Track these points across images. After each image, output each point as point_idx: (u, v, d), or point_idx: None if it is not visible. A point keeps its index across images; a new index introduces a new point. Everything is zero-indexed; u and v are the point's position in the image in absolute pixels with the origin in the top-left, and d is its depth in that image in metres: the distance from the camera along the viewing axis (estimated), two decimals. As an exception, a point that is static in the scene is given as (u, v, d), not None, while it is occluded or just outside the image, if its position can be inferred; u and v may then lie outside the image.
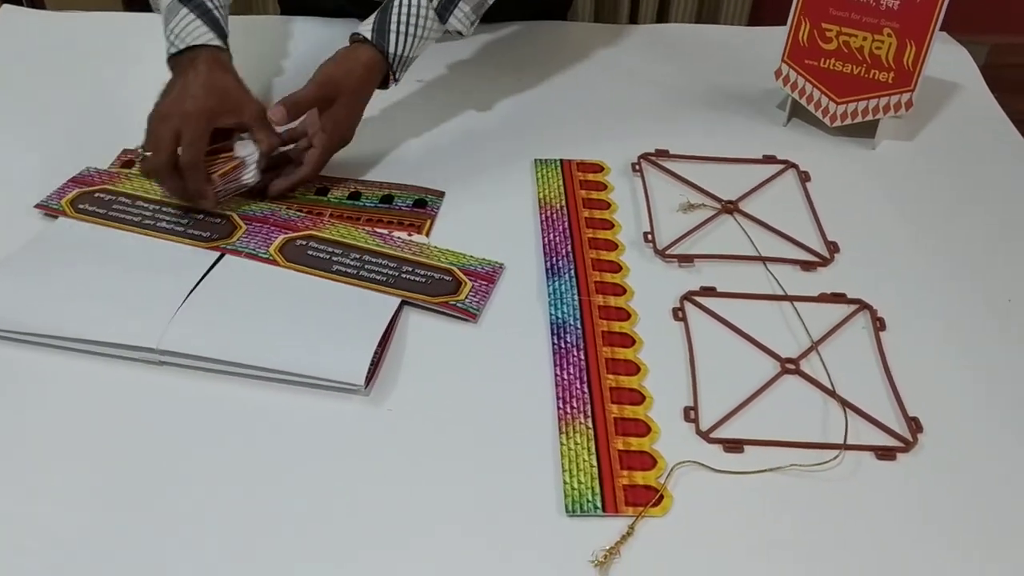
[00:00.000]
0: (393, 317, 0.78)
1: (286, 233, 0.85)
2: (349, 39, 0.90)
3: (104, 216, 0.86)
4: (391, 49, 0.89)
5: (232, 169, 0.85)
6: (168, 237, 0.84)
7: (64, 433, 0.70)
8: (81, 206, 0.87)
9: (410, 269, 0.82)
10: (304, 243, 0.84)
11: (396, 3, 0.89)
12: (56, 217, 0.86)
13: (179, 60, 0.84)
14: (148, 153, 0.80)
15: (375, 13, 0.90)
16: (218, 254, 0.83)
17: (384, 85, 0.92)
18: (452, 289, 0.81)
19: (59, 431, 0.70)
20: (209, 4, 0.86)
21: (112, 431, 0.70)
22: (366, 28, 0.89)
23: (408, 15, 0.89)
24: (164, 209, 0.87)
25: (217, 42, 0.85)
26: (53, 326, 0.75)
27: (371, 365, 0.74)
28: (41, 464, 0.68)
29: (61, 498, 0.66)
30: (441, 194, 0.92)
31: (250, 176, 0.86)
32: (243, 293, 0.79)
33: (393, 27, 0.88)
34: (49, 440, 0.70)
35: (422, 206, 0.90)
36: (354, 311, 0.78)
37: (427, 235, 0.87)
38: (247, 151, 0.85)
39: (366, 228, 0.86)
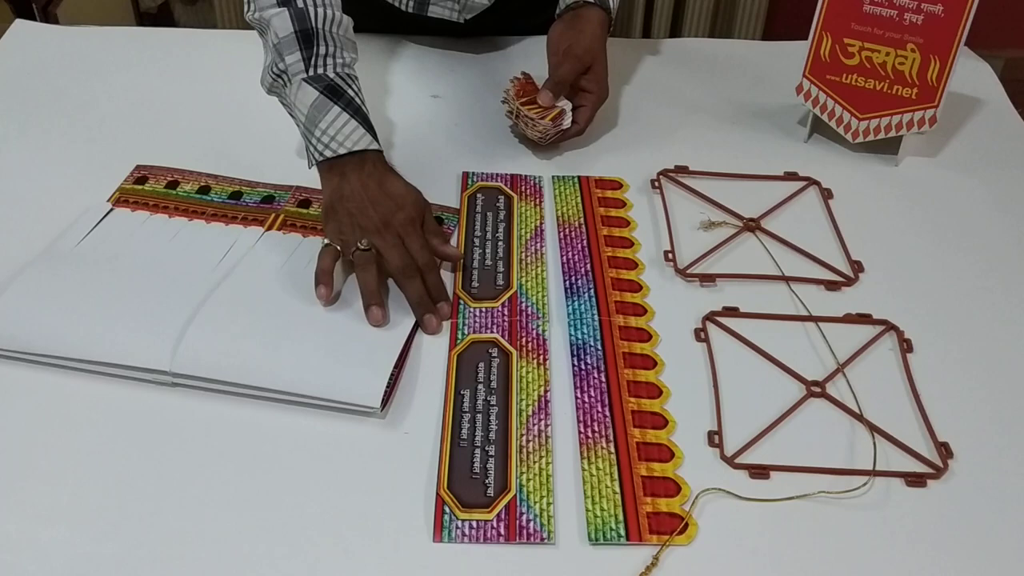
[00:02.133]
0: (408, 337, 0.77)
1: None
2: (563, 6, 1.00)
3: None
4: (612, 4, 1.00)
5: (557, 115, 0.94)
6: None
7: (74, 455, 0.69)
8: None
9: None
10: None
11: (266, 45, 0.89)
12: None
13: (340, 161, 0.84)
14: (364, 248, 0.79)
15: None
16: (230, 263, 0.82)
17: None
18: None
19: (69, 453, 0.69)
20: (358, 100, 0.86)
21: (123, 453, 0.69)
22: None
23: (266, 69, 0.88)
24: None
25: (377, 146, 0.85)
26: (64, 347, 0.74)
27: (387, 387, 0.72)
28: (49, 487, 0.67)
29: (70, 521, 0.64)
30: (456, 211, 0.91)
31: (567, 122, 0.96)
32: (255, 310, 0.78)
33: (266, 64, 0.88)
34: (58, 462, 0.68)
35: (439, 223, 0.89)
36: (370, 331, 0.77)
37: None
38: (561, 101, 0.96)
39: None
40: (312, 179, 0.89)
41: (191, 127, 1.02)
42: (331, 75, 0.85)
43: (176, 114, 1.04)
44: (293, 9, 0.85)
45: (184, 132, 1.01)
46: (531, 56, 1.11)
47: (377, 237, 0.80)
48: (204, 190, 0.92)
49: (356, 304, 0.79)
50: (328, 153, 0.83)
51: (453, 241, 0.88)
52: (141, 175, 0.94)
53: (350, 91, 0.85)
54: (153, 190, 0.92)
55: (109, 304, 0.78)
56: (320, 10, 0.85)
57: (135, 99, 1.05)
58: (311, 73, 0.84)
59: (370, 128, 0.85)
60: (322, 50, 0.85)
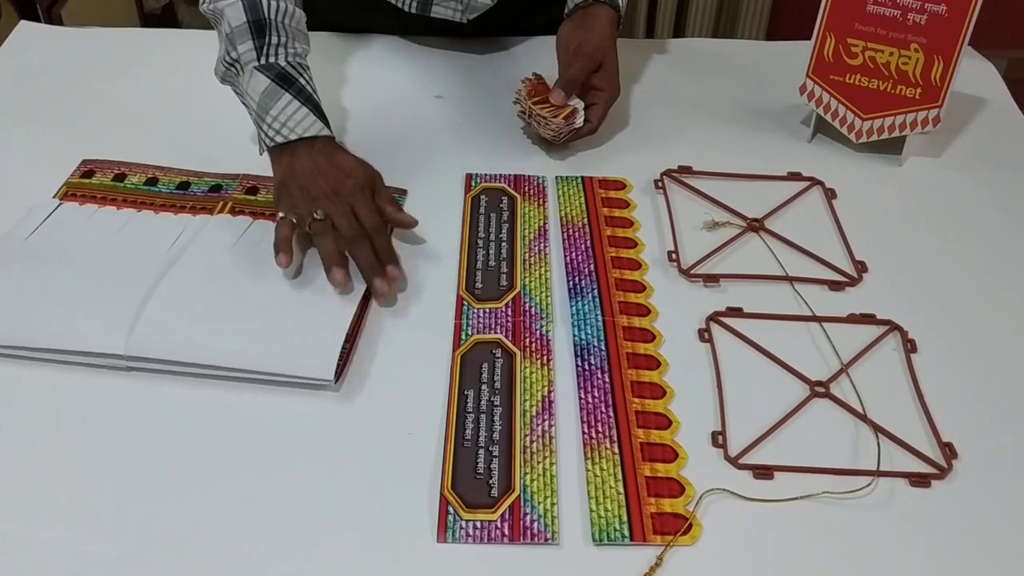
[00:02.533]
0: (359, 310, 0.79)
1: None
2: (571, 5, 1.01)
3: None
4: (622, 2, 1.00)
5: (570, 113, 0.94)
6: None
7: (32, 445, 0.69)
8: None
9: None
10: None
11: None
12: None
13: (289, 147, 0.85)
14: (319, 218, 0.81)
15: None
16: (180, 248, 0.84)
17: None
18: None
19: (27, 443, 0.70)
20: (309, 89, 0.87)
21: (80, 440, 0.70)
22: None
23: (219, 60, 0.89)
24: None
25: (328, 132, 0.86)
26: (19, 337, 0.75)
27: (340, 360, 0.74)
28: (10, 478, 0.67)
29: (35, 509, 0.65)
30: (404, 192, 0.93)
31: (580, 121, 0.96)
32: (206, 291, 0.79)
33: (219, 55, 0.89)
34: (17, 453, 0.69)
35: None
36: (321, 307, 0.78)
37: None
38: (573, 100, 0.96)
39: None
40: (259, 167, 0.91)
41: (179, 126, 1.03)
42: (282, 63, 0.86)
43: (168, 114, 1.04)
44: (246, 0, 0.86)
45: (171, 131, 1.02)
46: (535, 56, 1.11)
47: (328, 204, 0.82)
48: (152, 182, 0.94)
49: (308, 282, 0.81)
50: (279, 139, 0.85)
51: (456, 242, 0.88)
52: (88, 169, 0.95)
53: (301, 80, 0.86)
54: (100, 183, 0.93)
55: (62, 294, 0.78)
56: (273, 2, 0.87)
57: (138, 99, 1.06)
58: (263, 62, 0.85)
59: (321, 115, 0.86)
60: (274, 40, 0.86)
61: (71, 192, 0.91)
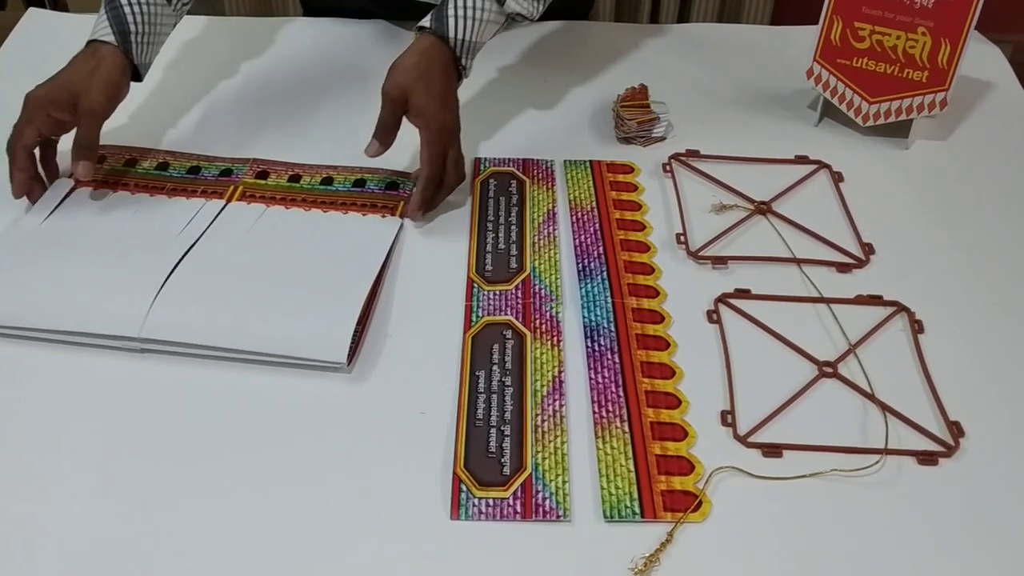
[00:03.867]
0: (373, 294, 0.80)
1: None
2: (414, 32, 0.90)
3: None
4: (451, 34, 0.87)
5: (648, 120, 0.98)
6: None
7: (50, 426, 0.70)
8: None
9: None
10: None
11: None
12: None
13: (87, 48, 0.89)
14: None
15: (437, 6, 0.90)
16: (194, 231, 0.85)
17: (459, 76, 0.91)
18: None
19: (45, 424, 0.70)
20: (125, 10, 0.88)
21: (94, 422, 0.71)
22: (426, 19, 0.89)
23: (466, 1, 0.87)
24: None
25: (112, 42, 0.88)
26: (29, 318, 0.76)
27: (352, 342, 0.74)
28: (30, 459, 0.68)
29: (56, 490, 0.66)
30: (407, 176, 0.93)
31: (660, 131, 0.99)
32: (220, 276, 0.80)
33: (451, 12, 0.87)
34: (32, 435, 0.70)
35: (394, 188, 0.92)
36: (332, 288, 0.79)
37: (400, 216, 0.89)
38: (662, 110, 1.00)
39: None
40: (269, 151, 0.94)
41: (189, 110, 1.03)
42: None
43: (177, 98, 1.05)
44: None
45: (180, 116, 1.02)
46: (542, 41, 1.11)
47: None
48: (163, 167, 0.94)
49: (319, 266, 0.81)
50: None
51: (466, 225, 0.88)
52: (99, 155, 0.94)
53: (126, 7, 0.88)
54: (112, 169, 0.93)
55: (78, 277, 0.79)
56: None
57: (143, 84, 1.06)
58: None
59: (119, 30, 0.87)
60: None
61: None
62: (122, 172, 0.93)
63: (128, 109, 1.02)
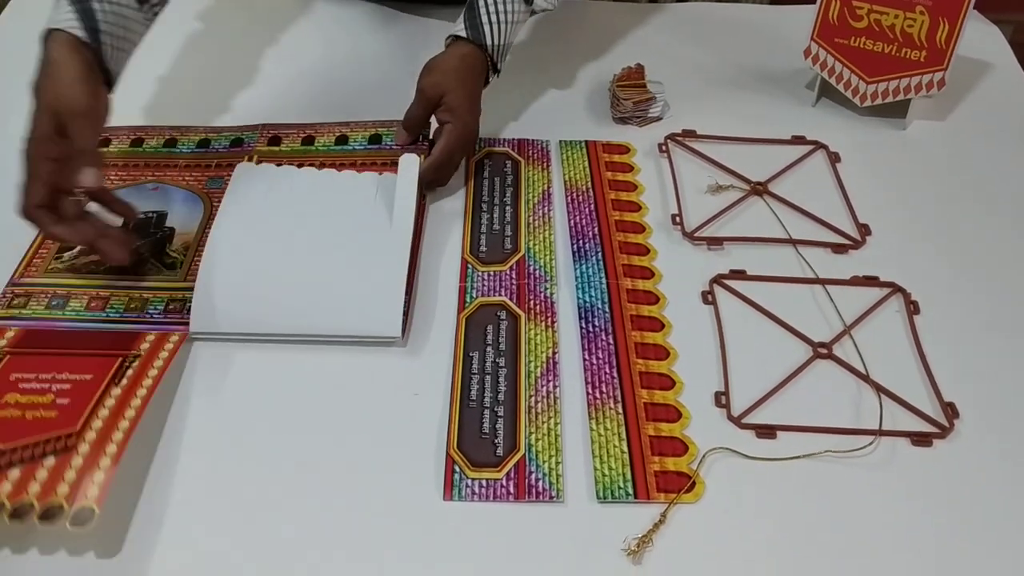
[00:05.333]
0: (410, 264, 0.79)
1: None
2: (445, 43, 0.90)
3: None
4: (488, 41, 0.88)
5: (645, 100, 0.97)
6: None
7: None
8: None
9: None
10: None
11: None
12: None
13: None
14: None
15: (463, 11, 0.89)
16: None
17: (487, 78, 0.91)
18: None
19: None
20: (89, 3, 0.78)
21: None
22: (458, 27, 0.89)
23: (496, 4, 0.88)
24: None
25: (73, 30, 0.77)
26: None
27: (403, 314, 0.75)
28: None
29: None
30: (428, 126, 0.92)
31: (657, 111, 0.98)
32: (251, 262, 0.78)
33: (484, 18, 0.88)
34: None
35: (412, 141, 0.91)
36: (373, 262, 0.78)
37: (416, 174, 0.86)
38: (658, 90, 0.98)
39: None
40: (279, 115, 0.93)
41: (188, 81, 1.03)
42: None
43: (175, 69, 1.04)
44: None
45: (181, 87, 1.02)
46: (539, 20, 1.10)
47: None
48: (171, 143, 0.93)
49: (350, 232, 0.81)
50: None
51: (460, 206, 0.88)
52: (104, 137, 0.94)
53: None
54: (119, 150, 0.92)
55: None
56: None
57: (139, 65, 1.05)
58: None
59: (88, 27, 0.77)
60: None
61: None
62: (129, 153, 0.92)
63: (127, 88, 1.01)
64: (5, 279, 0.80)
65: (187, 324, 0.75)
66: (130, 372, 0.70)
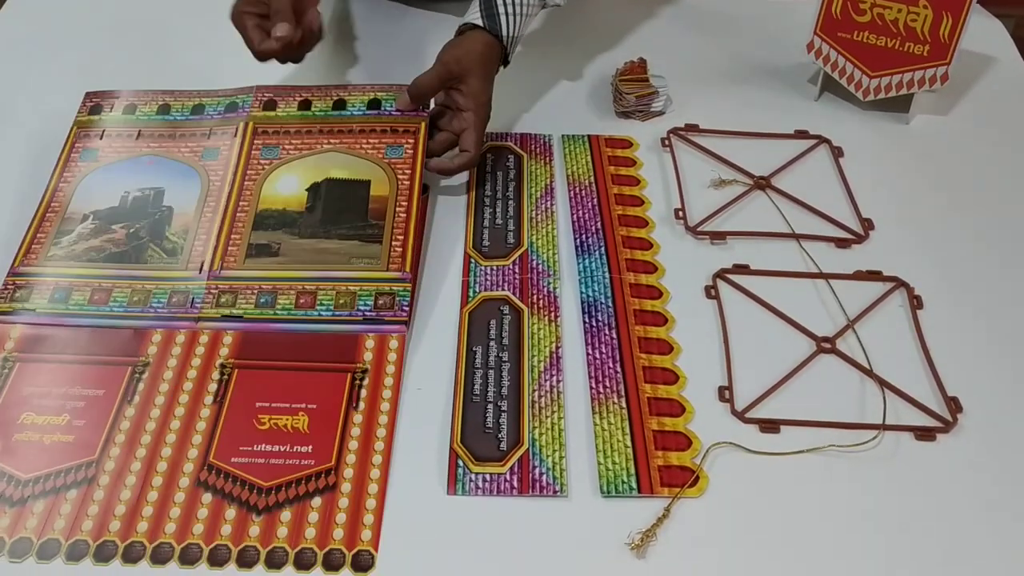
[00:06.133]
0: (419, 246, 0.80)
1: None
2: (458, 30, 0.90)
3: None
4: (504, 32, 0.88)
5: (647, 94, 0.97)
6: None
7: None
8: None
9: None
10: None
11: None
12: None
13: None
14: None
15: (479, 1, 0.89)
16: None
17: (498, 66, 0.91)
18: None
19: None
20: None
21: None
22: (474, 16, 0.89)
23: None
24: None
25: None
26: None
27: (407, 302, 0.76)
28: None
29: None
30: (398, 88, 0.90)
31: (659, 105, 0.98)
32: None
33: (501, 9, 0.88)
34: None
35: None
36: None
37: (424, 140, 0.86)
38: (661, 84, 0.98)
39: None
40: (271, 76, 0.91)
41: (176, 44, 1.02)
42: None
43: (163, 33, 1.04)
44: None
45: (170, 51, 1.01)
46: (541, 14, 1.10)
47: None
48: (164, 109, 0.91)
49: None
50: None
51: (463, 200, 0.88)
52: (94, 103, 0.92)
53: None
54: (111, 118, 0.90)
55: None
56: None
57: (126, 20, 1.05)
58: None
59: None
60: None
61: (83, 132, 0.89)
62: (123, 121, 0.90)
63: (116, 54, 1.01)
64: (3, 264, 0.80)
65: (231, 319, 0.75)
66: (364, 393, 0.71)
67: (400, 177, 0.83)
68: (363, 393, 0.71)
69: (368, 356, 0.73)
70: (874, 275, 0.81)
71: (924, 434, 0.69)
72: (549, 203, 0.88)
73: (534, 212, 0.87)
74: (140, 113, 0.91)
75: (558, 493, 0.65)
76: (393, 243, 0.78)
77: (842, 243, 0.84)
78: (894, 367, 0.74)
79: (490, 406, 0.70)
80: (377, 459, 0.67)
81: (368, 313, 0.75)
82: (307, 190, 0.83)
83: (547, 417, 0.70)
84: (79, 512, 0.64)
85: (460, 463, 0.66)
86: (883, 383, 0.72)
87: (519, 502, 0.65)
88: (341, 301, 0.76)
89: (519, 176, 0.91)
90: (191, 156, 0.87)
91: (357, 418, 0.69)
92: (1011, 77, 1.06)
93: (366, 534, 0.63)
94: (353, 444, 0.67)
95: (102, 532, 0.63)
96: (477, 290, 0.79)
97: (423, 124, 0.85)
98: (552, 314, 0.77)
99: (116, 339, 0.75)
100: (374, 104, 0.90)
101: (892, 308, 0.79)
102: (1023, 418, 0.71)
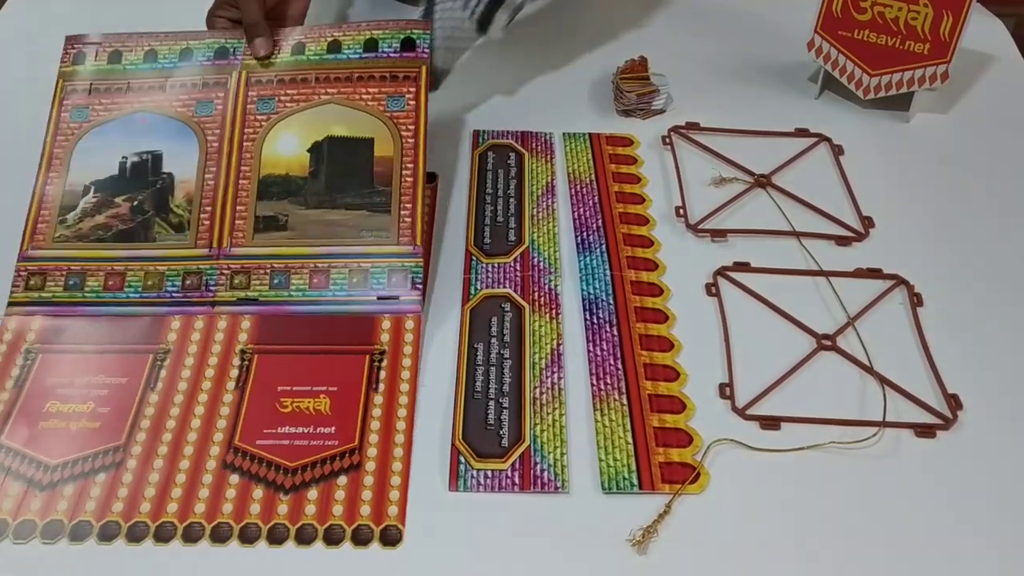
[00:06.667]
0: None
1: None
2: None
3: None
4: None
5: (648, 92, 0.98)
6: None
7: None
8: None
9: None
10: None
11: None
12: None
13: None
14: None
15: None
16: None
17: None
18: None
19: None
20: None
21: None
22: None
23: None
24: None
25: None
26: None
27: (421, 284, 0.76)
28: None
29: None
30: (427, 24, 0.86)
31: (660, 103, 0.99)
32: None
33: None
34: None
35: (411, 48, 0.85)
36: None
37: (424, 88, 0.83)
38: (662, 82, 0.99)
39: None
40: None
41: None
42: None
43: None
44: None
45: None
46: (541, 12, 1.10)
47: None
48: (151, 56, 0.86)
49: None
50: None
51: (464, 198, 0.88)
52: (76, 51, 0.87)
53: None
54: (97, 68, 0.86)
55: None
56: None
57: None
58: None
59: None
60: None
61: (69, 85, 0.85)
62: (109, 71, 0.85)
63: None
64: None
65: (247, 303, 0.76)
66: (383, 375, 0.71)
67: (404, 134, 0.81)
68: (382, 375, 0.71)
69: (385, 338, 0.74)
70: (874, 273, 0.81)
71: (924, 431, 0.69)
72: (550, 201, 0.88)
73: (535, 210, 0.87)
74: (127, 61, 0.86)
75: (559, 489, 0.65)
76: (402, 212, 0.78)
77: (842, 241, 0.84)
78: (894, 364, 0.74)
79: (491, 403, 0.70)
80: (400, 438, 0.67)
81: (382, 292, 0.75)
82: (308, 151, 0.82)
83: (548, 414, 0.70)
84: (109, 495, 0.65)
85: (461, 459, 0.67)
86: (883, 380, 0.72)
87: (520, 499, 0.65)
88: (355, 280, 0.76)
89: (520, 174, 0.91)
90: (184, 112, 0.84)
91: (378, 399, 0.70)
92: (1011, 76, 1.06)
93: (392, 510, 0.64)
94: (375, 425, 0.68)
95: (132, 513, 0.64)
96: (478, 287, 0.79)
97: (423, 68, 0.83)
98: (553, 311, 0.77)
99: (135, 327, 0.75)
100: (371, 45, 0.86)
101: (892, 305, 0.79)
102: (1023, 415, 0.71)
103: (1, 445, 0.68)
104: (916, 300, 0.79)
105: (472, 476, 0.66)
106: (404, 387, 0.71)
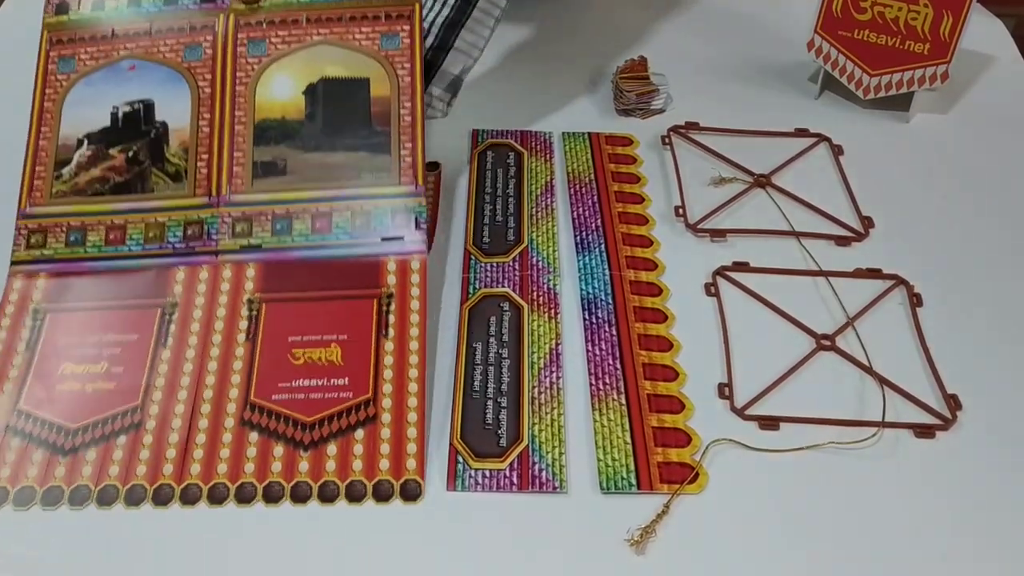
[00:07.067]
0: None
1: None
2: None
3: None
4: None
5: (647, 92, 0.97)
6: None
7: None
8: None
9: None
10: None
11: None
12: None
13: None
14: None
15: None
16: None
17: None
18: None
19: None
20: None
21: None
22: None
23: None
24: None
25: None
26: None
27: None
28: None
29: None
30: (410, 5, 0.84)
31: (660, 103, 0.98)
32: None
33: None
34: None
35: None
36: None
37: (419, 26, 0.81)
38: (661, 82, 0.99)
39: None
40: None
41: None
42: None
43: None
44: None
45: None
46: (541, 13, 1.11)
47: None
48: (135, 1, 0.84)
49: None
50: None
51: (463, 197, 0.88)
52: (59, 0, 0.85)
53: None
54: (81, 18, 0.84)
55: None
56: None
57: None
58: None
59: None
60: None
61: (55, 36, 0.84)
62: (93, 21, 0.84)
63: None
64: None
65: (250, 250, 0.75)
66: (392, 319, 0.71)
67: (400, 72, 0.80)
68: (391, 319, 0.71)
69: (391, 280, 0.73)
70: (874, 273, 0.81)
71: (923, 431, 0.69)
72: (549, 200, 0.88)
73: (534, 209, 0.87)
74: (110, 7, 0.85)
75: (557, 489, 0.65)
76: (403, 152, 0.77)
77: (842, 241, 0.84)
78: (894, 364, 0.74)
79: (490, 402, 0.70)
80: (413, 387, 0.68)
81: (386, 233, 0.75)
82: (304, 93, 0.80)
83: (547, 413, 0.70)
84: (131, 458, 0.65)
85: (460, 459, 0.67)
86: (883, 380, 0.72)
87: (518, 498, 0.65)
88: (358, 222, 0.75)
89: (519, 173, 0.91)
90: (173, 57, 0.82)
91: (388, 346, 0.70)
92: (1011, 76, 1.06)
93: (411, 463, 0.64)
94: (388, 373, 0.69)
95: (157, 476, 0.64)
96: (477, 286, 0.79)
97: (417, 6, 0.81)
98: (552, 311, 0.77)
99: (140, 281, 0.75)
100: None
101: (892, 306, 0.79)
102: (1022, 415, 0.71)
103: (20, 411, 0.68)
104: (915, 300, 0.79)
105: (470, 476, 0.66)
106: (414, 331, 0.70)
